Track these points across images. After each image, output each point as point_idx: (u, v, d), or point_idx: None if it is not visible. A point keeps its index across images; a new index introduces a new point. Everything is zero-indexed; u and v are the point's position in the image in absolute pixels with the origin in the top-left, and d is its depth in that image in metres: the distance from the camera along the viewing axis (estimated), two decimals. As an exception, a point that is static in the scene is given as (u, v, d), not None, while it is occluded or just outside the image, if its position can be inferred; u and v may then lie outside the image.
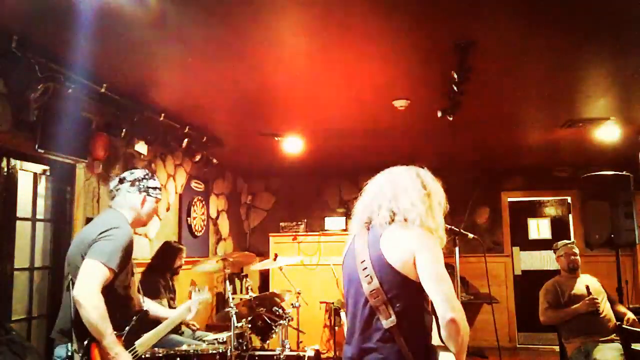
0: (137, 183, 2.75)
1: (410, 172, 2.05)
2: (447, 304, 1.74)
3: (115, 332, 2.44)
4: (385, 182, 2.05)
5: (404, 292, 1.84)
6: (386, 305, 1.83)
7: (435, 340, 1.85)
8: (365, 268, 1.90)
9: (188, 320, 3.44)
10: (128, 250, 2.56)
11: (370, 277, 1.87)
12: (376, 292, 1.85)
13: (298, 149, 5.58)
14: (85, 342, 2.39)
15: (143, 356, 3.02)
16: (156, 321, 3.02)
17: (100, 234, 2.50)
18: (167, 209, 5.43)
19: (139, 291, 2.91)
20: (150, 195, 2.78)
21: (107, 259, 2.44)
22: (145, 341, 2.73)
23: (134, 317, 2.66)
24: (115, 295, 2.54)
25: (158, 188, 2.84)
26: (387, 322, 1.82)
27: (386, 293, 1.84)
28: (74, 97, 3.46)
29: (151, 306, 3.11)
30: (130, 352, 2.56)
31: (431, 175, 2.07)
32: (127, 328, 2.60)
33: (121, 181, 2.76)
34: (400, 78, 3.84)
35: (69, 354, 2.44)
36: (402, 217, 1.93)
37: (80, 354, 2.40)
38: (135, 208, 2.74)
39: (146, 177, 2.80)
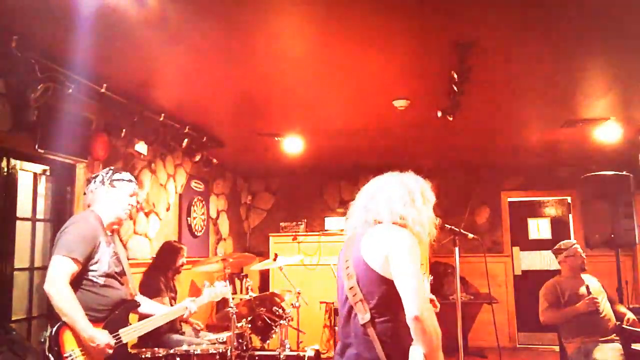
0: (101, 179, 2.89)
1: (394, 175, 2.14)
2: (412, 302, 1.79)
3: (95, 320, 2.60)
4: (370, 186, 2.15)
5: (379, 290, 1.89)
6: (362, 302, 1.90)
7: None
8: (348, 267, 1.99)
9: (188, 317, 3.44)
10: (88, 238, 2.68)
11: (349, 274, 1.96)
12: (354, 289, 1.93)
13: (298, 149, 5.58)
14: (54, 329, 2.53)
15: (142, 356, 3.03)
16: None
17: (60, 232, 2.69)
18: (167, 209, 5.43)
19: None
20: (115, 187, 2.88)
21: (67, 250, 2.59)
22: (131, 330, 2.79)
23: (121, 307, 2.77)
24: (91, 285, 2.68)
25: (125, 180, 2.92)
26: (363, 318, 1.89)
27: (362, 290, 1.91)
28: (74, 97, 3.46)
29: (146, 304, 3.12)
30: (113, 338, 2.65)
31: (415, 175, 2.14)
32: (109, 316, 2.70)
33: (89, 181, 2.92)
34: (400, 78, 3.85)
35: (42, 340, 2.63)
36: (378, 216, 2.01)
37: (49, 339, 2.53)
38: (104, 202, 2.86)
39: (109, 172, 2.93)
